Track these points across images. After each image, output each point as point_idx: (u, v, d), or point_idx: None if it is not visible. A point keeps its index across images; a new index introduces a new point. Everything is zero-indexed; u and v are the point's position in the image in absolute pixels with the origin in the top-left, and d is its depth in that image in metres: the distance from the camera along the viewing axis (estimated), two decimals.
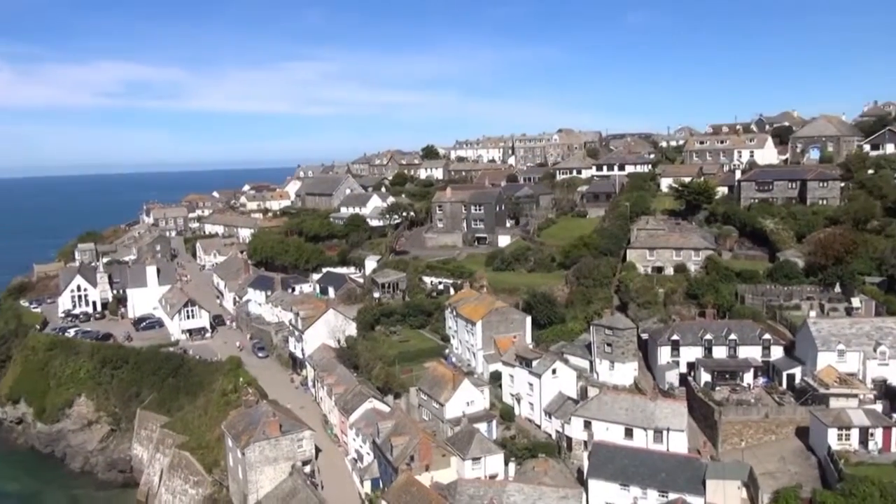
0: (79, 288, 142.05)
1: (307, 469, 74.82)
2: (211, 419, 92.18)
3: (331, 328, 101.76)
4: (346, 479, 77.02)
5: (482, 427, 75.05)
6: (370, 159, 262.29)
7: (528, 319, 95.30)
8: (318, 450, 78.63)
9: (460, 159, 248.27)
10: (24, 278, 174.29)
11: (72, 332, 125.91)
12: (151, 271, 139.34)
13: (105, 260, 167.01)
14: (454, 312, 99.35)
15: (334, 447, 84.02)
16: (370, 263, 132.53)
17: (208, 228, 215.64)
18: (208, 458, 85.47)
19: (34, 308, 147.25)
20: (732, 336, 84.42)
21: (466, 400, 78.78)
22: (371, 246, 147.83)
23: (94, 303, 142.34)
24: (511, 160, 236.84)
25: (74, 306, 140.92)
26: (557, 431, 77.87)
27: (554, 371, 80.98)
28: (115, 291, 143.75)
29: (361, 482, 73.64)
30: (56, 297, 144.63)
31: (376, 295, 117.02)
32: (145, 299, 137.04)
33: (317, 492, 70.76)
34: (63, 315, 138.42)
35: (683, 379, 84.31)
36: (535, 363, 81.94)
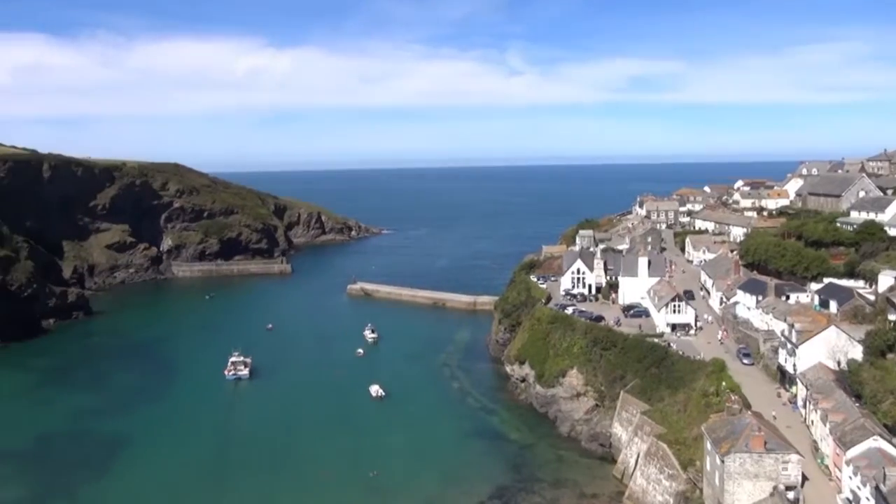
0: (578, 271, 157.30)
1: (790, 495, 69.76)
2: (689, 417, 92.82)
3: (830, 347, 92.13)
4: None
5: None
6: (892, 156, 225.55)
7: None
8: (804, 477, 72.59)
9: None
10: (533, 256, 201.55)
11: (569, 310, 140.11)
12: (643, 262, 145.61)
13: (601, 247, 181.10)
14: None
15: (824, 480, 76.18)
16: (885, 279, 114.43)
17: (698, 224, 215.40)
18: (684, 455, 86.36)
19: (540, 284, 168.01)
20: None
21: None
22: (888, 259, 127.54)
23: (590, 286, 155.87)
24: None
25: (573, 286, 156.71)
26: None
27: None
28: (608, 277, 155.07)
29: None
30: (558, 277, 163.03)
31: (892, 317, 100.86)
32: (635, 288, 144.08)
33: None
34: (563, 293, 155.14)
35: None
36: None
